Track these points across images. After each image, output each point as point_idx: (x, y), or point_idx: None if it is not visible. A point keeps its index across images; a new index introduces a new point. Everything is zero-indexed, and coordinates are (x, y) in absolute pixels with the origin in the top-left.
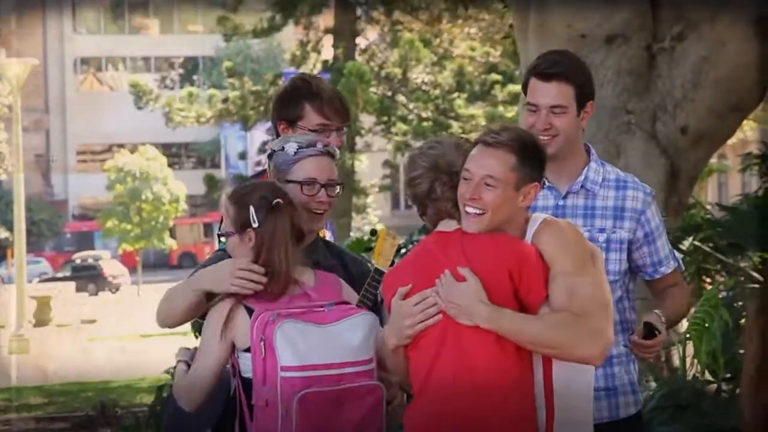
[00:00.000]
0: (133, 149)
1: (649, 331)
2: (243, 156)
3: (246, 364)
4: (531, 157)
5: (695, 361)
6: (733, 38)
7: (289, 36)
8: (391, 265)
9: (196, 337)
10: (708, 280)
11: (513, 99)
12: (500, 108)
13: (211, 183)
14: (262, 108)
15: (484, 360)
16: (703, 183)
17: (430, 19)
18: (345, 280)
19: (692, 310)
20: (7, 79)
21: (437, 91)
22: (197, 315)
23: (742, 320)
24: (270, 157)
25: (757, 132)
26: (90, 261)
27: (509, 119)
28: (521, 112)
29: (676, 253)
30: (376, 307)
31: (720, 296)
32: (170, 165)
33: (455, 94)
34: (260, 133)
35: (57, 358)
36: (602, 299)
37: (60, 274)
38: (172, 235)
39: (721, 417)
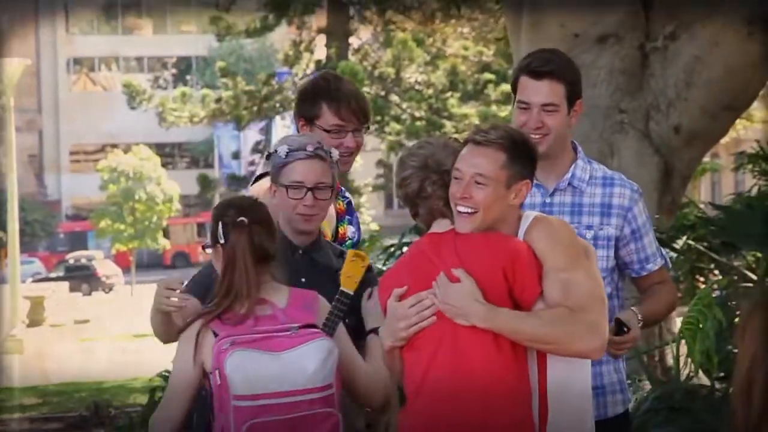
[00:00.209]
0: (127, 149)
1: (619, 327)
2: (236, 156)
3: None
4: (521, 155)
5: (689, 360)
6: (725, 38)
7: (282, 36)
8: (359, 286)
9: None
10: (701, 279)
11: (506, 98)
12: (493, 107)
13: (205, 183)
14: (255, 108)
15: (480, 361)
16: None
17: (423, 18)
18: None
19: (686, 309)
20: (0, 79)
21: (430, 91)
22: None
23: (736, 319)
24: (268, 158)
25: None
26: (83, 261)
27: (502, 118)
28: (514, 111)
29: (664, 251)
30: (362, 322)
31: (713, 295)
32: (163, 165)
33: (448, 94)
34: (253, 133)
35: (50, 358)
36: (597, 293)
37: (53, 274)
38: (166, 235)
39: (714, 417)
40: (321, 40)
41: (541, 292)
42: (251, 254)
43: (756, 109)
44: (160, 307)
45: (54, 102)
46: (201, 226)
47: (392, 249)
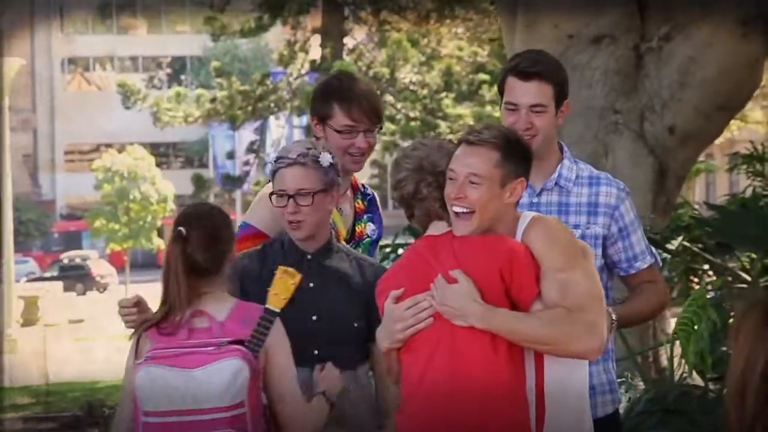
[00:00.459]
0: (121, 149)
1: None
2: (231, 156)
3: None
4: (514, 153)
5: (683, 361)
6: (720, 39)
7: (277, 36)
8: (289, 303)
9: None
10: (696, 280)
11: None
12: (488, 108)
13: (199, 183)
14: (249, 108)
15: (477, 362)
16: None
17: (418, 19)
18: (359, 286)
19: (680, 310)
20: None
21: (425, 91)
22: None
23: (730, 320)
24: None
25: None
26: (78, 261)
27: (497, 119)
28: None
29: (655, 250)
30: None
31: (708, 296)
32: (158, 165)
33: (443, 94)
34: (248, 133)
35: (44, 358)
36: (595, 293)
37: (48, 274)
38: (160, 235)
39: (708, 419)
40: (316, 40)
41: (538, 293)
42: (183, 265)
43: (750, 109)
44: (124, 324)
45: (49, 101)
46: None
47: (387, 250)
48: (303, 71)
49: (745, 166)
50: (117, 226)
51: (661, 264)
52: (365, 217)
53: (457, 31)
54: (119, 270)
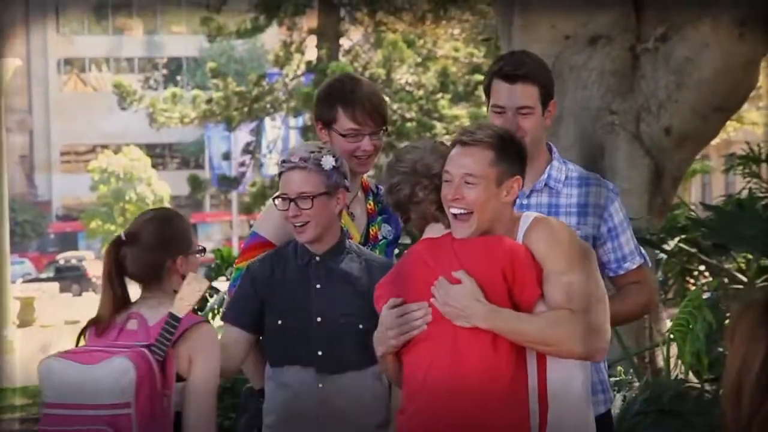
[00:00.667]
0: (117, 150)
1: None
2: (227, 157)
3: None
4: (509, 151)
5: (679, 361)
6: (716, 40)
7: (273, 37)
8: (197, 311)
9: None
10: (692, 281)
11: None
12: (484, 109)
13: (195, 184)
14: (245, 109)
15: (479, 362)
16: (687, 184)
17: (414, 20)
18: (366, 287)
19: (676, 311)
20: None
21: (421, 92)
22: None
23: (726, 321)
24: None
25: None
26: (74, 262)
27: None
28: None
29: (643, 250)
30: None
31: (704, 297)
32: (154, 166)
33: (439, 95)
34: (244, 134)
35: (41, 359)
36: (598, 295)
37: (43, 275)
38: None
39: (704, 419)
40: (312, 41)
41: (540, 294)
42: (116, 270)
43: (746, 110)
44: None
45: (45, 102)
46: (192, 227)
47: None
48: (299, 72)
49: (741, 167)
50: (113, 227)
51: (650, 264)
52: (379, 218)
53: (453, 32)
54: None
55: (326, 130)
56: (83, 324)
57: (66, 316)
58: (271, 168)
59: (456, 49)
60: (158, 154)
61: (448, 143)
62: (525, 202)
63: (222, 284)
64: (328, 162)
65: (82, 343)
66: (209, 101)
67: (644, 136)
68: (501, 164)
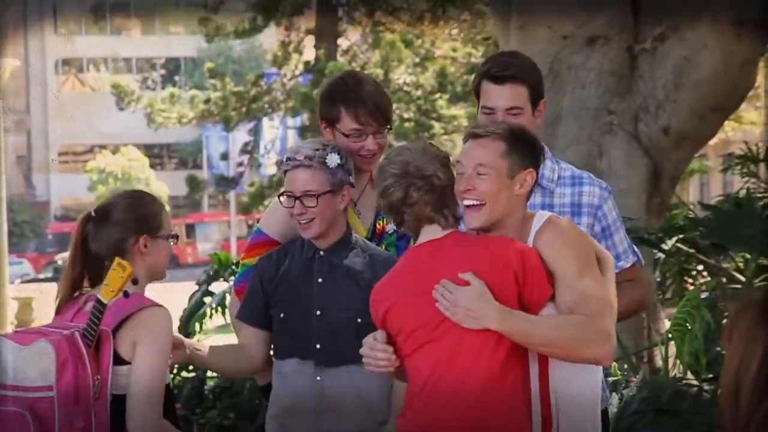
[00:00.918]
0: (115, 150)
1: None
2: (225, 157)
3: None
4: (521, 143)
5: (677, 361)
6: (714, 40)
7: (271, 37)
8: (124, 295)
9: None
10: (690, 280)
11: None
12: None
13: (193, 184)
14: (243, 109)
15: (482, 365)
16: (685, 183)
17: (412, 20)
18: (367, 282)
19: (674, 310)
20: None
21: (419, 92)
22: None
23: (725, 321)
24: None
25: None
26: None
27: None
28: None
29: (636, 248)
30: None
31: (702, 297)
32: (152, 166)
33: (437, 95)
34: (242, 134)
35: None
36: (608, 299)
37: (42, 275)
38: None
39: (702, 419)
40: (310, 41)
41: (549, 296)
42: (81, 247)
43: (744, 110)
44: None
45: (42, 103)
46: (190, 227)
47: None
48: (297, 72)
49: (739, 167)
50: None
51: (643, 263)
52: None
53: (451, 32)
54: None
55: (330, 129)
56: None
57: None
58: (269, 168)
59: (454, 49)
60: (156, 155)
61: (448, 142)
62: None
63: (221, 285)
64: (333, 160)
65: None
66: (207, 101)
67: (642, 136)
68: (513, 156)
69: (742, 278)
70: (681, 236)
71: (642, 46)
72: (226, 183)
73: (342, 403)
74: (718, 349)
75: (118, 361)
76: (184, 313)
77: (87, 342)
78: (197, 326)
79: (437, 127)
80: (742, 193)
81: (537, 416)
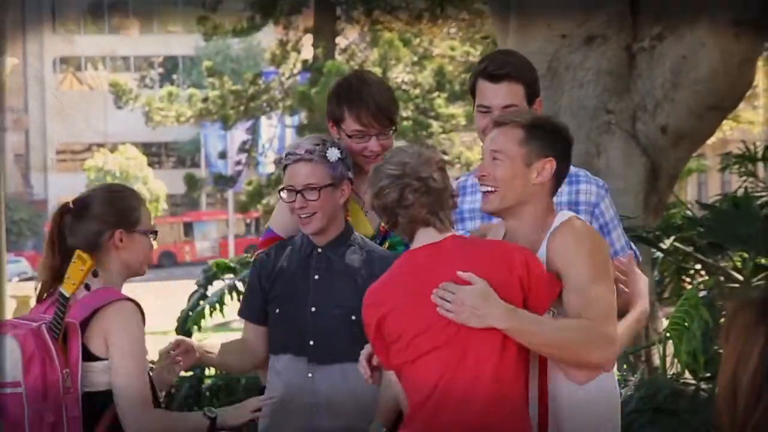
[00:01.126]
0: (113, 149)
1: None
2: (223, 155)
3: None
4: (540, 131)
5: (675, 360)
6: (712, 39)
7: (269, 36)
8: (86, 288)
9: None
10: (688, 279)
11: None
12: None
13: (191, 182)
14: (241, 107)
15: (491, 372)
16: (683, 182)
17: (410, 18)
18: (363, 279)
19: (672, 309)
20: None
21: (417, 91)
22: None
23: (722, 320)
24: None
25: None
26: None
27: None
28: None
29: (633, 244)
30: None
31: (700, 296)
32: (150, 164)
33: (435, 94)
34: (240, 133)
35: None
36: (614, 305)
37: None
38: None
39: (699, 418)
40: (308, 39)
41: (550, 304)
42: (57, 238)
43: (742, 109)
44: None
45: (41, 101)
46: (188, 226)
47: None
48: (295, 71)
49: (737, 166)
50: None
51: (641, 258)
52: None
53: (450, 30)
54: None
55: (336, 128)
56: None
57: None
58: (268, 166)
59: (452, 48)
60: (154, 153)
61: (446, 141)
62: None
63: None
64: (334, 154)
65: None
66: (205, 100)
67: (640, 135)
68: (530, 143)
69: (740, 277)
70: (679, 235)
71: (640, 45)
72: (224, 181)
73: (334, 400)
74: (716, 348)
75: (91, 357)
76: (181, 314)
77: (54, 335)
78: (195, 327)
79: (435, 125)
80: (740, 192)
81: (534, 417)
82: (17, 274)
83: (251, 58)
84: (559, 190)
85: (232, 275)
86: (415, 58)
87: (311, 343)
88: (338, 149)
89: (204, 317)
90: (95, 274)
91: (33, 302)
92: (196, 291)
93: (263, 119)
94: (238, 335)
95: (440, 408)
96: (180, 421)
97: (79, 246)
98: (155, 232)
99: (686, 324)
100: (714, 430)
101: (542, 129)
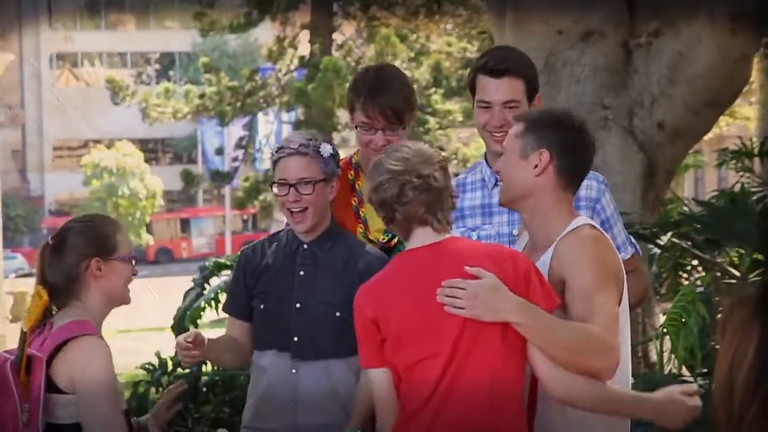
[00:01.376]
0: (110, 145)
1: None
2: (220, 151)
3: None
4: (537, 124)
5: (672, 356)
6: (709, 35)
7: (266, 32)
8: (39, 325)
9: (176, 336)
10: (685, 275)
11: None
12: None
13: (188, 178)
14: (238, 103)
15: (494, 372)
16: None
17: (407, 14)
18: (347, 275)
19: (669, 305)
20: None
21: (414, 87)
22: None
23: (719, 315)
24: None
25: (733, 127)
26: None
27: None
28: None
29: (633, 239)
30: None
31: (697, 291)
32: (147, 160)
33: (432, 90)
34: (237, 129)
35: None
36: (616, 315)
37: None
38: (149, 231)
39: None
40: (305, 36)
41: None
42: (39, 276)
43: (739, 105)
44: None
45: (37, 98)
46: (184, 222)
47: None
48: (292, 67)
49: (733, 162)
50: None
51: (641, 253)
52: None
53: (446, 27)
54: None
55: (351, 115)
56: None
57: None
58: (265, 163)
59: (449, 44)
60: (151, 149)
61: (443, 137)
62: None
63: (214, 280)
64: (327, 149)
65: None
66: (202, 96)
67: (637, 131)
68: (526, 136)
69: (737, 273)
70: (676, 231)
71: (637, 41)
72: (221, 178)
73: (317, 397)
74: (714, 344)
75: (56, 389)
76: (178, 312)
77: (16, 369)
78: (191, 325)
79: (432, 121)
80: (737, 188)
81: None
82: (14, 270)
83: (248, 54)
84: None
85: (228, 272)
86: (412, 54)
87: (295, 339)
88: (330, 145)
89: (201, 316)
90: (49, 313)
91: (29, 299)
92: (192, 288)
93: (260, 115)
94: None
95: (441, 409)
96: None
97: (58, 280)
98: (134, 257)
99: (683, 320)
100: (710, 426)
101: (541, 122)
